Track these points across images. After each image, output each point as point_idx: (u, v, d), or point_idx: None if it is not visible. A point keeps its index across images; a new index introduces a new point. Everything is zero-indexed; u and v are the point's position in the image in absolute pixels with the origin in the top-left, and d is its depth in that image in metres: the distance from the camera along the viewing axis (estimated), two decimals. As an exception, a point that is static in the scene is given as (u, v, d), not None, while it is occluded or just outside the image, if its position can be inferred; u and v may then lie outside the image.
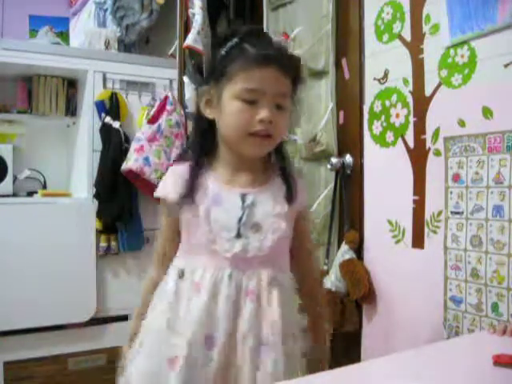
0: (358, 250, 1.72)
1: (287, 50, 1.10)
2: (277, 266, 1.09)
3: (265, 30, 2.13)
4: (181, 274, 1.08)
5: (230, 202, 1.06)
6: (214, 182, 1.09)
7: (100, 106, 2.29)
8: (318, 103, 1.92)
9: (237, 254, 1.04)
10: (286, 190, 1.11)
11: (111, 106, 2.28)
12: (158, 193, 1.13)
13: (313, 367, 1.12)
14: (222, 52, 1.06)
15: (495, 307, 1.30)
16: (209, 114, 1.09)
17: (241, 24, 2.33)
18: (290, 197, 1.10)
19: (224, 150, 1.11)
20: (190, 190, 1.07)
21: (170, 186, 1.10)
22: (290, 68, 1.07)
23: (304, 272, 1.19)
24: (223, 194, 1.07)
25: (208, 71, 1.13)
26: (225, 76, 1.04)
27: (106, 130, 2.24)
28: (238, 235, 1.05)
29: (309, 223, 1.27)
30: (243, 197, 1.07)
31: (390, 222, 1.62)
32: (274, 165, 1.15)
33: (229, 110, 1.04)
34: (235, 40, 1.05)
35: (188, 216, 1.08)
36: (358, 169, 1.75)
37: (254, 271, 1.05)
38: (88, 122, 2.29)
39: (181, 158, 1.24)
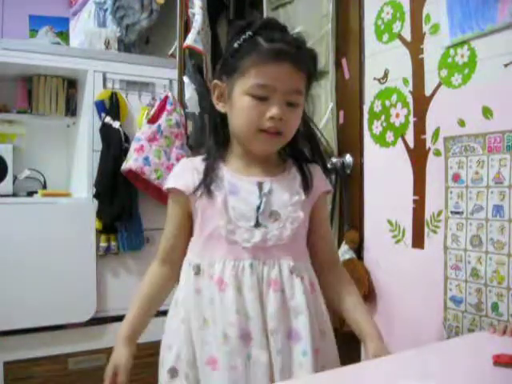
0: (358, 249, 1.72)
1: (303, 44, 1.06)
2: (296, 255, 1.08)
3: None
4: (197, 270, 1.06)
5: (247, 191, 1.06)
6: (229, 172, 1.08)
7: (100, 106, 2.28)
8: (318, 103, 1.92)
9: (257, 244, 1.03)
10: (301, 179, 1.10)
11: (111, 106, 2.27)
12: (169, 184, 1.11)
13: None
14: (235, 45, 1.03)
15: (495, 307, 1.30)
16: (221, 107, 1.09)
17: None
18: (306, 186, 1.09)
19: (236, 144, 1.10)
20: (206, 181, 1.06)
21: (183, 176, 1.09)
22: (305, 64, 1.04)
23: (325, 260, 1.16)
24: (239, 183, 1.06)
25: (220, 64, 1.10)
26: (237, 70, 1.03)
27: (105, 130, 2.24)
28: (257, 224, 1.04)
29: (326, 211, 1.24)
30: (260, 185, 1.06)
31: (389, 222, 1.62)
32: (287, 157, 1.14)
33: (239, 106, 1.03)
34: (249, 33, 1.02)
35: (204, 207, 1.06)
36: (358, 169, 1.75)
37: (275, 261, 1.04)
38: (88, 122, 2.29)
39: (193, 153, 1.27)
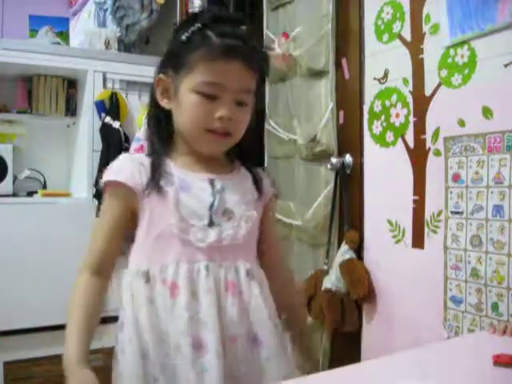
0: (358, 250, 1.72)
1: (255, 41, 1.00)
2: (251, 257, 1.03)
3: (265, 30, 2.14)
4: (147, 278, 0.95)
5: (199, 188, 0.98)
6: (177, 169, 0.99)
7: (100, 106, 2.29)
8: (318, 103, 1.92)
9: (212, 244, 0.95)
10: (252, 179, 1.06)
11: (111, 106, 2.28)
12: (112, 176, 0.97)
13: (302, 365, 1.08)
14: (183, 37, 0.96)
15: (495, 307, 1.30)
16: (165, 104, 1.01)
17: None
18: (257, 185, 1.05)
19: (181, 142, 1.03)
20: (155, 176, 0.96)
21: (128, 171, 0.97)
22: (257, 62, 0.98)
23: (274, 264, 1.10)
24: (190, 179, 0.99)
25: (166, 57, 1.02)
26: (184, 65, 0.96)
27: (105, 130, 2.24)
28: (211, 223, 0.97)
29: (274, 215, 1.16)
30: (212, 182, 1.00)
31: (389, 222, 1.62)
32: (234, 158, 1.08)
33: (186, 104, 0.96)
34: (198, 25, 0.95)
35: (153, 205, 0.96)
36: (358, 169, 1.75)
37: (231, 263, 0.98)
38: (88, 122, 2.30)
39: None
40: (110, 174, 0.98)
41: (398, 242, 1.59)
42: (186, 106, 0.97)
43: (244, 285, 0.98)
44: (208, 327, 0.92)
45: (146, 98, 2.35)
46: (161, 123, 1.03)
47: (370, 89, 1.70)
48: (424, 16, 1.50)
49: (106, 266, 0.99)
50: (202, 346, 0.92)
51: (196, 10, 2.17)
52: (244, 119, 1.00)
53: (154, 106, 1.04)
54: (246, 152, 1.09)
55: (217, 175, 1.01)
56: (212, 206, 0.98)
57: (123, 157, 1.03)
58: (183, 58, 0.96)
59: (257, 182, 1.06)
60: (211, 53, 0.93)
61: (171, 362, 0.92)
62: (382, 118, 1.65)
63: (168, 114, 1.02)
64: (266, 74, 1.03)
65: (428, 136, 1.49)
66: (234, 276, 0.97)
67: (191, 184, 0.98)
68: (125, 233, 0.99)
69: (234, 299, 0.96)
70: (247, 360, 0.96)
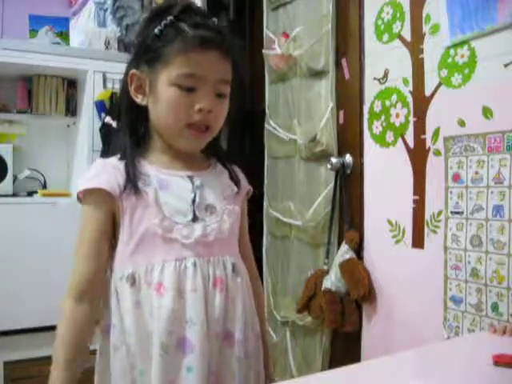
0: (358, 250, 1.72)
1: (228, 32, 0.99)
2: (235, 252, 1.03)
3: (265, 30, 2.14)
4: (132, 281, 0.93)
5: (179, 185, 0.97)
6: (154, 168, 0.98)
7: (100, 106, 2.29)
8: (318, 103, 1.92)
9: (198, 240, 0.94)
10: (229, 174, 1.06)
11: (111, 106, 2.28)
12: (90, 184, 0.95)
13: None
14: (156, 31, 0.94)
15: (495, 307, 1.30)
16: (141, 100, 0.98)
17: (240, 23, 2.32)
18: (235, 180, 1.05)
19: (157, 139, 1.00)
20: (131, 178, 0.94)
21: (105, 176, 0.95)
22: (231, 51, 0.97)
23: (245, 256, 1.08)
24: (168, 178, 0.97)
25: (138, 52, 0.99)
26: (159, 59, 0.93)
27: (106, 130, 2.24)
28: (195, 218, 0.96)
29: (246, 208, 1.14)
30: (191, 178, 0.99)
31: (389, 222, 1.62)
32: (210, 155, 1.07)
33: (164, 98, 0.94)
34: (170, 18, 0.93)
35: (133, 207, 0.94)
36: (358, 169, 1.75)
37: (218, 258, 0.97)
38: (88, 122, 2.30)
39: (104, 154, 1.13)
40: (85, 182, 0.96)
41: (398, 242, 1.59)
42: (164, 101, 0.94)
43: (230, 280, 0.97)
44: (194, 326, 0.91)
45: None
46: (134, 122, 1.01)
47: (370, 89, 1.70)
48: (424, 16, 1.50)
49: (92, 288, 0.95)
50: (186, 345, 0.91)
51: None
52: (223, 111, 0.99)
53: (126, 103, 1.01)
54: (221, 149, 1.09)
55: (195, 172, 1.00)
56: (194, 201, 0.97)
57: (97, 163, 1.01)
58: (158, 51, 0.94)
59: (233, 177, 1.06)
60: (186, 45, 0.92)
61: (156, 363, 0.91)
62: (382, 118, 1.65)
63: (142, 112, 0.99)
64: (239, 64, 1.01)
65: (428, 136, 1.49)
66: (221, 271, 0.97)
67: (170, 182, 0.97)
68: (109, 242, 0.97)
69: (221, 295, 0.95)
70: (224, 356, 0.96)
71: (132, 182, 0.94)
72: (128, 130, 1.01)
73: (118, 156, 1.00)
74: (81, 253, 0.98)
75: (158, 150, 1.01)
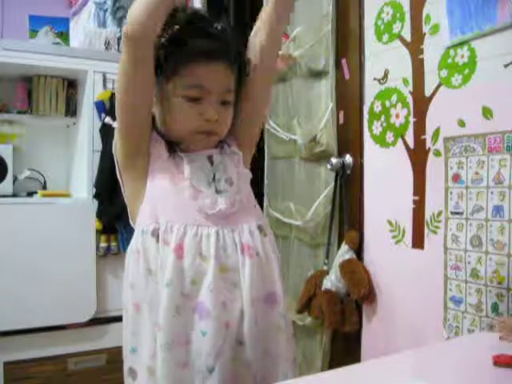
0: (358, 250, 1.72)
1: (231, 39, 1.02)
2: (257, 215, 1.06)
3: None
4: (156, 237, 0.96)
5: (201, 162, 1.01)
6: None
7: (100, 106, 2.29)
8: (318, 103, 1.92)
9: (222, 210, 0.98)
10: (228, 140, 1.09)
11: (111, 106, 2.28)
12: None
13: None
14: (162, 41, 0.96)
15: (495, 307, 1.30)
16: None
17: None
18: (235, 143, 1.09)
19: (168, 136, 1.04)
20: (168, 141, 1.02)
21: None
22: (235, 60, 1.01)
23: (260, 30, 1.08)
24: (191, 155, 1.02)
25: None
26: (165, 70, 0.97)
27: (105, 130, 2.24)
28: (217, 191, 1.00)
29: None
30: (210, 158, 1.03)
31: (389, 222, 1.62)
32: None
33: (172, 108, 0.99)
34: (176, 28, 0.97)
35: (166, 165, 1.00)
36: (358, 169, 1.75)
37: (242, 225, 1.00)
38: (88, 122, 2.30)
39: None
40: None
41: (398, 242, 1.59)
42: (172, 111, 0.99)
43: (258, 245, 1.00)
44: (211, 292, 0.93)
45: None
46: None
47: (370, 89, 1.70)
48: (424, 16, 1.50)
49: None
50: (202, 310, 0.93)
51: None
52: (228, 118, 1.04)
53: None
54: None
55: (212, 150, 1.04)
56: (214, 177, 1.01)
57: None
58: (163, 62, 0.97)
59: (230, 144, 1.08)
60: (192, 57, 0.95)
61: (168, 323, 0.92)
62: (382, 118, 1.65)
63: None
64: (243, 69, 1.04)
65: (428, 136, 1.50)
66: (248, 238, 0.99)
67: (193, 158, 1.01)
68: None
69: (252, 261, 0.97)
70: (265, 320, 0.98)
71: (168, 143, 1.00)
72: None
73: None
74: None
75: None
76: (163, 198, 0.98)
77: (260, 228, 1.02)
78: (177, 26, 0.97)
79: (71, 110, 2.46)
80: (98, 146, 2.26)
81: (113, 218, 2.20)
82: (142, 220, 0.99)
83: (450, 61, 1.43)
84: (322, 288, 1.73)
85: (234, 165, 1.05)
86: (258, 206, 1.09)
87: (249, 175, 1.08)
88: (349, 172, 1.79)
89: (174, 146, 1.02)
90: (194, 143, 1.02)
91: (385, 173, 1.65)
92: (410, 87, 1.56)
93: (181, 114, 0.98)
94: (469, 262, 1.37)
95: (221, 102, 1.00)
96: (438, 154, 1.46)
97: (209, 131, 1.00)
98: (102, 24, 2.76)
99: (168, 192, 0.98)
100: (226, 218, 0.99)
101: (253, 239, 0.99)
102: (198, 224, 0.96)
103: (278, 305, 1.00)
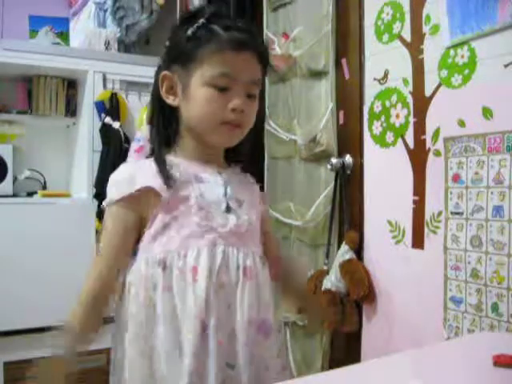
0: (358, 250, 1.72)
1: (258, 35, 1.05)
2: (259, 245, 1.06)
3: (265, 31, 2.14)
4: (164, 266, 0.95)
5: (210, 180, 1.01)
6: (186, 164, 1.01)
7: (100, 107, 2.29)
8: (318, 103, 1.92)
9: (232, 229, 0.98)
10: (246, 176, 1.12)
11: (111, 107, 2.28)
12: (128, 188, 0.97)
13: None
14: (188, 33, 0.97)
15: (495, 307, 1.30)
16: (172, 101, 1.01)
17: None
18: (254, 180, 1.11)
19: (188, 139, 1.03)
20: (169, 172, 0.97)
21: (144, 177, 0.97)
22: (264, 54, 1.02)
23: (273, 257, 1.12)
24: (201, 173, 1.01)
25: (169, 54, 1.02)
26: (193, 60, 0.96)
27: (106, 131, 2.24)
28: (228, 209, 1.00)
29: (268, 210, 1.23)
30: (220, 174, 1.03)
31: (389, 222, 1.62)
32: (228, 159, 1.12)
33: (198, 98, 0.97)
34: (201, 21, 0.97)
35: (171, 200, 0.97)
36: (358, 169, 1.75)
37: (248, 248, 1.00)
38: (88, 123, 2.30)
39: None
40: (124, 186, 0.98)
41: (398, 242, 1.59)
42: (197, 100, 0.97)
43: (259, 270, 1.01)
44: (218, 313, 0.94)
45: (146, 99, 2.35)
46: (167, 122, 1.04)
47: (370, 89, 1.70)
48: (424, 16, 1.50)
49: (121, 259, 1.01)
50: (210, 329, 0.93)
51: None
52: (253, 112, 1.03)
53: (157, 104, 1.04)
54: (240, 153, 1.11)
55: (221, 169, 1.05)
56: (226, 193, 1.01)
57: (129, 165, 1.06)
58: (191, 52, 0.96)
59: (253, 177, 1.13)
60: (221, 45, 0.95)
61: (190, 345, 0.93)
62: (382, 118, 1.65)
63: (173, 112, 1.03)
64: (268, 67, 1.05)
65: (428, 136, 1.50)
66: (251, 261, 1.00)
67: (203, 177, 1.01)
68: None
69: (251, 283, 0.98)
70: (258, 344, 0.98)
71: (170, 175, 0.97)
72: (158, 130, 1.04)
73: (148, 156, 1.03)
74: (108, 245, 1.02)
75: (186, 149, 1.04)
76: (168, 234, 0.97)
77: (261, 257, 1.04)
78: (202, 20, 0.97)
79: (71, 110, 2.46)
80: (98, 146, 2.26)
81: (113, 218, 2.20)
82: (147, 247, 0.99)
83: (449, 61, 1.43)
84: (322, 288, 1.73)
85: (244, 186, 1.07)
86: (260, 239, 1.08)
87: (259, 207, 1.08)
88: (349, 172, 1.79)
89: (171, 171, 0.98)
90: (217, 137, 1.00)
91: (385, 173, 1.65)
92: (410, 87, 1.56)
93: (206, 104, 0.97)
94: (469, 262, 1.37)
95: (247, 95, 0.99)
96: (438, 154, 1.46)
97: (234, 122, 0.98)
98: (102, 24, 2.76)
99: (172, 228, 0.97)
100: (233, 236, 0.99)
101: (254, 263, 1.01)
102: (208, 245, 0.96)
103: (271, 336, 1.00)
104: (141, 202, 0.97)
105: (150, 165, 0.99)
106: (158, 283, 0.95)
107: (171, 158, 1.01)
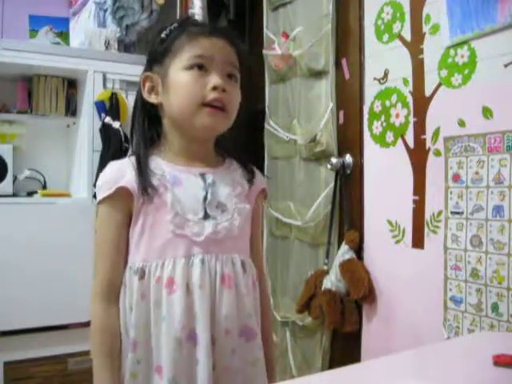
0: (358, 250, 1.72)
1: (232, 32, 1.08)
2: (244, 251, 1.04)
3: (265, 30, 2.14)
4: (141, 274, 0.96)
5: (191, 182, 0.99)
6: (168, 165, 1.00)
7: (100, 106, 2.29)
8: (318, 103, 1.92)
9: (208, 237, 0.97)
10: (241, 171, 1.07)
11: (111, 106, 2.28)
12: (109, 187, 0.97)
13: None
14: (162, 36, 1.02)
15: (495, 307, 1.30)
16: (154, 99, 1.02)
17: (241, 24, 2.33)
18: (247, 177, 1.07)
19: (173, 137, 1.03)
20: (146, 175, 0.97)
21: (124, 175, 0.98)
22: (236, 40, 1.04)
23: (255, 260, 1.09)
24: (181, 175, 1.00)
25: (149, 58, 1.06)
26: (168, 54, 1.00)
27: (105, 130, 2.24)
28: (206, 216, 0.98)
29: (262, 208, 1.20)
30: (203, 176, 1.01)
31: (389, 222, 1.62)
32: (223, 153, 1.10)
33: (177, 83, 0.98)
34: (174, 25, 1.03)
35: (148, 203, 0.97)
36: (358, 169, 1.75)
37: (227, 255, 0.99)
38: (88, 122, 2.30)
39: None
40: (107, 186, 0.98)
41: (398, 242, 1.59)
42: (177, 86, 0.98)
43: (240, 277, 1.00)
44: (200, 321, 0.94)
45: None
46: (145, 123, 1.04)
47: (370, 89, 1.70)
48: (424, 16, 1.50)
49: (115, 288, 0.99)
50: (195, 340, 0.94)
51: (196, 10, 2.17)
52: (236, 94, 1.02)
53: (140, 106, 1.05)
54: (235, 146, 1.10)
55: (208, 169, 1.03)
56: (205, 199, 0.99)
57: (111, 165, 1.03)
58: (165, 49, 1.01)
59: (247, 174, 1.08)
60: (193, 34, 1.00)
61: (169, 357, 0.94)
62: (382, 118, 1.65)
63: (155, 113, 1.04)
64: (243, 58, 1.06)
65: (428, 136, 1.50)
66: (230, 269, 0.99)
67: (183, 179, 1.00)
68: (126, 243, 1.00)
69: (230, 292, 0.97)
70: (241, 352, 0.98)
71: (146, 179, 0.97)
72: (141, 130, 1.04)
73: (130, 156, 1.02)
74: (103, 255, 1.00)
75: (171, 148, 1.03)
76: (146, 242, 0.98)
77: (242, 263, 1.01)
78: (175, 24, 1.03)
79: (71, 109, 2.46)
80: (98, 145, 2.26)
81: (113, 218, 2.20)
82: (131, 254, 0.99)
83: (450, 60, 1.43)
84: (322, 288, 1.73)
85: (232, 188, 1.03)
86: (248, 244, 1.07)
87: (246, 210, 1.04)
88: (349, 172, 1.79)
89: (150, 174, 0.98)
90: (200, 120, 0.98)
91: (385, 173, 1.65)
92: (410, 87, 1.56)
93: (186, 87, 0.97)
94: (469, 262, 1.37)
95: (227, 75, 1.00)
96: (438, 153, 1.46)
97: (216, 103, 0.97)
98: (102, 24, 2.76)
99: (154, 228, 0.97)
100: (212, 243, 0.98)
101: (234, 271, 0.99)
102: (185, 255, 0.96)
103: (255, 339, 1.00)
104: (123, 201, 0.98)
105: (134, 164, 0.99)
106: (133, 292, 0.96)
107: (154, 158, 1.01)
